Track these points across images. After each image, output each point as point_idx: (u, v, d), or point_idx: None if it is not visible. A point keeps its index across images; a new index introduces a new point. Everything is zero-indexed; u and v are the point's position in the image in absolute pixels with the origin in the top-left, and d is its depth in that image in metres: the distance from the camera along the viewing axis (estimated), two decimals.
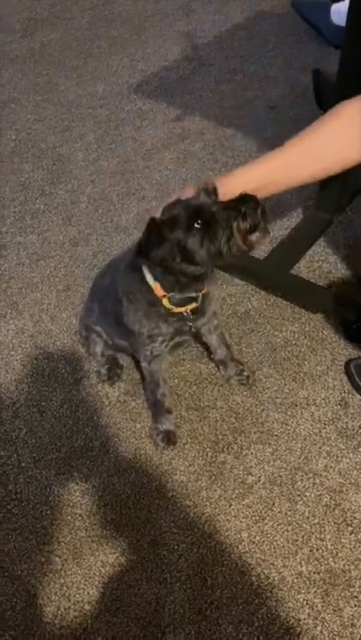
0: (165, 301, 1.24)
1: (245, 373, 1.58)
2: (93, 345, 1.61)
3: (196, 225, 1.06)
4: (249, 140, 2.38)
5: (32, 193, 2.31)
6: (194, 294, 1.26)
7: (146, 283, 1.24)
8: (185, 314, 1.28)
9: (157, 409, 1.48)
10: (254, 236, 1.07)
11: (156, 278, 1.22)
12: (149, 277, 1.23)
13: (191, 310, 1.28)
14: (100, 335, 1.57)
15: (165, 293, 1.23)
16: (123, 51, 3.06)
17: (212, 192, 1.08)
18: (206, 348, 1.62)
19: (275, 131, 2.39)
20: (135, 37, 3.15)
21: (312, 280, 1.81)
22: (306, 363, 1.62)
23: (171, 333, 1.33)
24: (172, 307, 1.26)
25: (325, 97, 2.24)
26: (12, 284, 1.97)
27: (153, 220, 1.10)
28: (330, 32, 2.75)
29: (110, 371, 1.62)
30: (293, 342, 1.67)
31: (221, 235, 1.05)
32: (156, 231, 1.09)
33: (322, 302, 1.74)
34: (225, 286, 1.83)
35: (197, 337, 1.58)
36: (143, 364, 1.43)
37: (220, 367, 1.59)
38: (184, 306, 1.27)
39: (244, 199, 1.05)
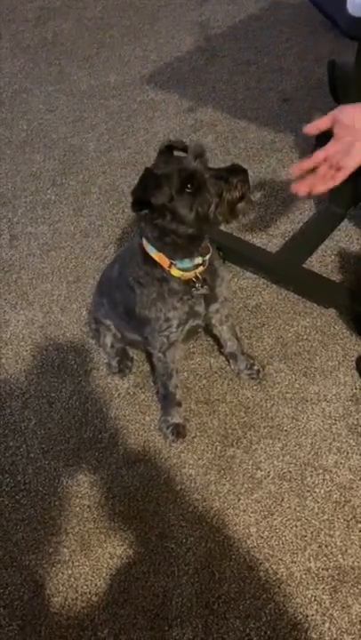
0: (173, 270, 1.24)
1: (256, 367, 1.57)
2: (103, 337, 1.60)
3: (186, 189, 1.11)
4: (262, 132, 2.36)
5: (43, 183, 2.30)
6: (200, 260, 1.25)
7: (150, 259, 1.24)
8: (196, 275, 1.26)
9: (168, 402, 1.48)
10: (240, 206, 1.13)
11: (156, 248, 1.23)
12: (151, 249, 1.23)
13: (205, 296, 1.30)
14: (110, 328, 1.57)
15: (170, 261, 1.23)
16: (135, 41, 3.04)
17: (201, 155, 1.14)
18: (216, 341, 1.62)
19: (288, 123, 2.37)
20: (148, 27, 3.12)
21: (324, 275, 1.79)
22: (317, 358, 1.61)
23: (185, 314, 1.31)
24: (181, 273, 1.25)
25: (341, 89, 2.21)
26: (23, 275, 1.96)
27: (148, 169, 1.13)
28: (346, 23, 2.69)
29: (121, 363, 1.62)
30: (305, 337, 1.66)
31: (210, 202, 1.11)
32: (152, 177, 1.11)
33: (334, 297, 1.72)
34: (236, 279, 1.82)
35: (208, 329, 1.57)
36: (158, 355, 1.40)
37: (230, 361, 1.58)
38: (192, 271, 1.26)
39: (236, 171, 1.12)
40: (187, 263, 1.24)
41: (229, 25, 3.03)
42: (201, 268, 1.27)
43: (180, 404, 1.49)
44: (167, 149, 1.19)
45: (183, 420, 1.49)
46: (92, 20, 3.26)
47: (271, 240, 1.93)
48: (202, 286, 1.28)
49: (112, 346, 1.60)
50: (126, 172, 2.29)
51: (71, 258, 1.99)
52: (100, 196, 2.21)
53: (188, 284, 1.27)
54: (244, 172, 1.12)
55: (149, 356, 1.53)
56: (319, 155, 1.10)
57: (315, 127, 1.11)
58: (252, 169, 2.19)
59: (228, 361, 1.59)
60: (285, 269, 1.82)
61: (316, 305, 1.72)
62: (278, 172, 2.17)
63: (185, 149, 1.18)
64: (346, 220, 1.94)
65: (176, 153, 1.21)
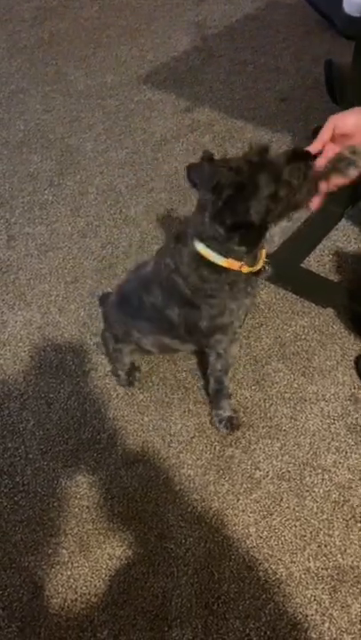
0: (245, 269, 1.19)
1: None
2: (122, 356, 1.54)
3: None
4: (259, 132, 2.36)
5: (41, 184, 2.30)
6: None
7: (218, 267, 1.18)
8: (264, 263, 1.23)
9: (221, 395, 1.46)
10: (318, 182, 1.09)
11: (223, 255, 1.17)
12: (218, 257, 1.17)
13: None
14: (132, 341, 1.49)
15: (240, 262, 1.18)
16: (132, 41, 3.04)
17: (266, 150, 1.09)
18: None
19: (285, 123, 2.37)
20: (145, 27, 3.12)
21: (322, 274, 1.80)
22: (315, 357, 1.61)
23: (247, 307, 1.30)
24: (251, 268, 1.21)
25: (337, 88, 2.21)
26: (21, 276, 1.96)
27: (224, 187, 1.07)
28: (342, 22, 2.70)
29: (130, 375, 1.59)
30: (303, 337, 1.66)
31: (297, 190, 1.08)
32: (239, 196, 1.06)
33: (332, 297, 1.72)
34: None
35: None
36: (219, 352, 1.35)
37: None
38: (257, 261, 1.23)
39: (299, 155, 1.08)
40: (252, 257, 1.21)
41: (226, 25, 3.03)
42: (263, 250, 1.24)
43: (230, 397, 1.48)
44: (205, 160, 1.13)
45: (233, 411, 1.48)
46: (89, 20, 3.26)
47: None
48: (268, 266, 1.25)
49: (129, 363, 1.57)
50: (124, 172, 2.28)
51: (69, 258, 1.99)
52: (97, 196, 2.21)
53: (258, 274, 1.24)
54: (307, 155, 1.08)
55: (201, 355, 1.52)
56: (321, 163, 1.09)
57: (320, 143, 1.09)
58: None
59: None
60: (284, 269, 1.81)
61: (314, 304, 1.73)
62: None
63: (211, 159, 1.13)
64: (343, 219, 1.94)
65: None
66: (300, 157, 1.07)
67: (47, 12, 3.37)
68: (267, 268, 1.25)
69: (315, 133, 2.28)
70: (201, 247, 1.17)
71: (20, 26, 3.29)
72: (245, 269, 1.19)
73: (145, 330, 1.43)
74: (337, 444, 1.43)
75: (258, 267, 1.23)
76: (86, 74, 2.86)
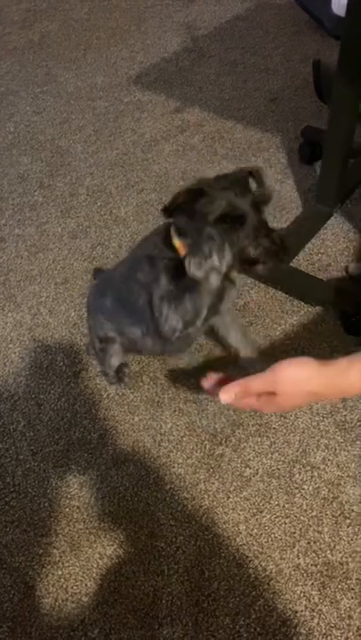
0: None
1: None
2: (109, 357, 1.52)
3: (223, 223, 1.04)
4: (249, 132, 2.37)
5: (30, 185, 2.30)
6: None
7: (170, 243, 1.17)
8: None
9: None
10: (257, 267, 1.05)
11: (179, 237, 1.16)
12: (175, 238, 1.16)
13: None
14: (116, 341, 1.46)
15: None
16: (122, 42, 3.04)
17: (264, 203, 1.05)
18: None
19: (275, 123, 2.38)
20: (135, 28, 3.13)
21: (311, 273, 1.80)
22: (304, 355, 1.61)
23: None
24: None
25: (326, 88, 2.22)
26: (11, 277, 1.96)
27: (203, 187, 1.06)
28: (331, 23, 2.72)
29: (119, 371, 1.59)
30: (292, 335, 1.67)
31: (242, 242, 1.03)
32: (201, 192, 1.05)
33: (321, 295, 1.73)
34: None
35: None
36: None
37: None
38: None
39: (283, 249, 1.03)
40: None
41: (216, 25, 3.04)
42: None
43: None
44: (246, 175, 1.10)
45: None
46: (79, 22, 3.26)
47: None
48: None
49: (118, 366, 1.56)
50: (114, 173, 2.29)
51: (59, 259, 1.99)
52: (87, 197, 2.21)
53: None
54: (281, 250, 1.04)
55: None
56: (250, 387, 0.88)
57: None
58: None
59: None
60: (273, 268, 1.82)
61: (303, 303, 1.73)
62: (265, 171, 2.18)
63: (260, 181, 1.11)
64: (333, 218, 1.95)
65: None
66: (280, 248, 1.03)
67: (37, 13, 3.38)
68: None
69: (304, 133, 2.29)
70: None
71: (9, 27, 3.29)
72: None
73: (108, 310, 1.42)
74: (326, 441, 1.44)
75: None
76: (76, 75, 2.87)
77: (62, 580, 1.30)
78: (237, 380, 0.85)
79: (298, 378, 0.82)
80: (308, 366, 0.82)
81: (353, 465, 1.39)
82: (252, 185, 1.09)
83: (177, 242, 1.17)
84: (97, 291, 1.51)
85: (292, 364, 0.83)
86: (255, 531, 1.32)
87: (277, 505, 1.35)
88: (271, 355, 1.63)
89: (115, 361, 1.53)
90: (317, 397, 0.83)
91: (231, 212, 1.02)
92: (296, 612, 1.20)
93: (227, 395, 0.87)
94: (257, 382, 0.84)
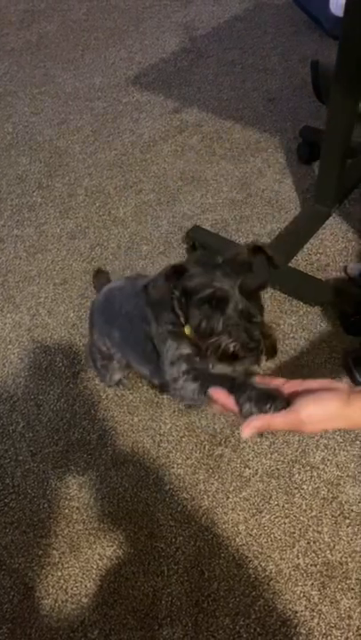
0: (187, 328, 1.09)
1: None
2: (111, 373, 1.52)
3: (206, 305, 0.97)
4: (247, 132, 2.37)
5: (29, 186, 2.30)
6: None
7: (173, 306, 1.11)
8: None
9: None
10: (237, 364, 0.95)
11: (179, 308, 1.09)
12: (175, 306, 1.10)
13: None
14: (120, 361, 1.46)
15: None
16: (120, 42, 3.04)
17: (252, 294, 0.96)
18: None
19: (273, 123, 2.38)
20: (133, 29, 3.13)
21: (310, 273, 1.80)
22: (304, 356, 1.62)
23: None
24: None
25: (324, 89, 2.22)
26: (9, 278, 1.96)
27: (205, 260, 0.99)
28: (329, 23, 2.72)
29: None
30: (291, 335, 1.67)
31: (208, 340, 0.96)
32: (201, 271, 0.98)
33: (320, 295, 1.73)
34: None
35: None
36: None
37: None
38: None
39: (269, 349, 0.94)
40: None
41: (214, 26, 3.04)
42: None
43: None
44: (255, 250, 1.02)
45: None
46: (77, 23, 3.26)
47: (257, 239, 1.93)
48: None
49: (120, 379, 1.55)
50: (112, 174, 2.29)
51: (58, 260, 1.99)
52: (85, 197, 2.21)
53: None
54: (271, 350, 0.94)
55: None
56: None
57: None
58: (237, 169, 2.21)
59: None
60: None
61: (302, 303, 1.73)
62: (264, 171, 2.18)
63: (269, 259, 1.03)
64: (331, 218, 1.95)
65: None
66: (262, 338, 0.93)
67: (35, 14, 3.38)
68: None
69: (302, 133, 2.29)
70: None
71: (7, 28, 3.29)
72: (187, 330, 1.10)
73: (116, 339, 1.40)
74: (325, 441, 1.44)
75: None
76: (74, 76, 2.86)
77: (62, 581, 1.30)
78: (261, 417, 0.83)
79: (321, 418, 0.80)
80: (331, 405, 0.79)
81: (352, 465, 1.39)
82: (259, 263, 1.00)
83: (178, 311, 1.11)
84: (102, 313, 1.45)
85: (314, 402, 0.80)
86: (255, 531, 1.32)
87: (277, 505, 1.35)
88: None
89: (117, 376, 1.53)
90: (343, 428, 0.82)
91: (212, 294, 0.95)
92: (296, 612, 1.20)
93: (249, 430, 0.85)
94: (280, 421, 0.82)
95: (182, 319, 1.08)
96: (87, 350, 1.61)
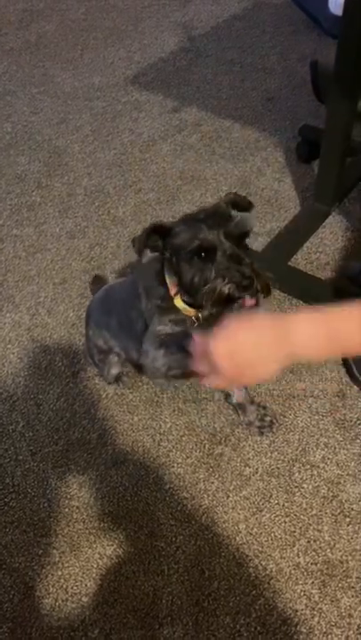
0: (177, 299, 1.14)
1: (268, 419, 1.46)
2: (109, 367, 1.53)
3: (195, 257, 1.02)
4: (246, 131, 2.37)
5: (28, 185, 2.30)
6: None
7: (163, 280, 1.15)
8: (195, 318, 1.14)
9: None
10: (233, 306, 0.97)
11: (174, 273, 1.12)
12: (168, 273, 1.14)
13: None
14: (119, 355, 1.49)
15: (177, 289, 1.13)
16: (119, 42, 3.04)
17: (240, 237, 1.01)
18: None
19: (272, 122, 2.38)
20: (132, 28, 3.13)
21: (310, 272, 1.80)
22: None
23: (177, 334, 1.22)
24: (184, 307, 1.14)
25: (323, 89, 2.23)
26: (9, 277, 1.96)
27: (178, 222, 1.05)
28: (328, 22, 2.72)
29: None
30: None
31: (203, 289, 1.00)
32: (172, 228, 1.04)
33: (320, 294, 1.73)
34: None
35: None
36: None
37: (239, 412, 1.48)
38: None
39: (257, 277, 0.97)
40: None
41: (213, 25, 3.04)
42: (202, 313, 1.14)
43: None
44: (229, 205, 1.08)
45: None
46: (76, 22, 3.26)
47: (257, 238, 1.93)
48: (199, 324, 1.15)
49: (118, 374, 1.55)
50: (111, 173, 2.29)
51: (57, 259, 1.99)
52: (85, 197, 2.21)
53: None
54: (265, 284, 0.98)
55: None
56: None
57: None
58: (236, 168, 2.21)
59: (237, 411, 1.48)
60: (271, 267, 1.82)
61: (302, 302, 1.73)
62: (263, 170, 2.18)
63: (247, 208, 1.09)
64: (331, 217, 1.95)
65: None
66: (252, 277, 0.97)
67: (34, 14, 3.37)
68: (195, 322, 1.17)
69: (301, 132, 2.29)
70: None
71: (6, 28, 3.29)
72: (178, 301, 1.14)
73: (113, 330, 1.43)
74: (325, 439, 1.44)
75: (190, 312, 1.15)
76: (73, 75, 2.86)
77: (62, 580, 1.30)
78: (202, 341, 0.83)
79: (255, 341, 0.80)
80: (264, 324, 0.80)
81: (353, 463, 1.39)
82: (235, 213, 1.05)
83: (168, 279, 1.15)
84: (100, 306, 1.50)
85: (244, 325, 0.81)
86: (255, 530, 1.31)
87: (277, 504, 1.35)
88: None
89: (114, 370, 1.53)
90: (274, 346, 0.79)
91: (199, 246, 0.99)
92: (296, 610, 1.20)
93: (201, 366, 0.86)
94: (219, 348, 0.81)
95: (175, 281, 1.12)
96: (85, 347, 1.62)
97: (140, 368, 1.42)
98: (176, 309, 1.16)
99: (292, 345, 0.77)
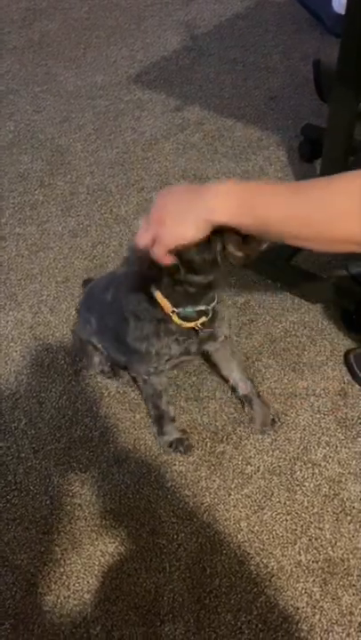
0: (175, 317, 1.16)
1: (270, 417, 1.48)
2: (90, 357, 1.57)
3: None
4: (249, 130, 2.37)
5: (31, 184, 2.30)
6: (204, 307, 1.18)
7: (154, 301, 1.16)
8: (197, 327, 1.19)
9: (163, 420, 1.44)
10: (248, 247, 0.99)
11: (165, 294, 1.14)
12: (158, 294, 1.15)
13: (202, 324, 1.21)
14: (97, 348, 1.54)
15: (174, 309, 1.15)
16: (122, 41, 3.04)
17: None
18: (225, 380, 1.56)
19: (275, 121, 2.38)
20: (134, 27, 3.13)
21: (311, 270, 1.80)
22: (305, 353, 1.62)
23: (180, 353, 1.26)
24: (182, 322, 1.17)
25: (326, 88, 2.22)
26: (12, 276, 1.96)
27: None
28: (331, 21, 2.71)
29: (114, 367, 1.60)
30: (293, 333, 1.67)
31: (216, 244, 0.98)
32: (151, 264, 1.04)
33: (321, 293, 1.73)
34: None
35: (216, 370, 1.55)
36: (144, 377, 1.36)
37: (245, 404, 1.49)
38: (194, 321, 1.19)
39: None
40: (190, 310, 1.17)
41: (215, 24, 3.04)
42: (204, 318, 1.19)
43: (174, 420, 1.46)
44: None
45: (181, 433, 1.47)
46: (79, 21, 3.26)
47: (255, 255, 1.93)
48: (203, 330, 1.21)
49: (100, 362, 1.57)
50: (114, 172, 2.29)
51: (60, 258, 1.99)
52: (87, 195, 2.21)
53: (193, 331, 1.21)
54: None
55: (135, 380, 1.53)
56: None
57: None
58: (239, 167, 2.21)
59: (243, 405, 1.50)
60: (273, 266, 1.83)
61: (303, 301, 1.74)
62: (265, 169, 2.18)
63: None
64: None
65: None
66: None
67: (36, 12, 3.37)
68: (202, 331, 1.21)
69: (304, 131, 2.29)
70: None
71: (9, 27, 3.29)
72: (175, 319, 1.16)
73: (98, 333, 1.50)
74: (327, 438, 1.44)
75: (187, 326, 1.18)
76: (76, 74, 2.86)
77: (64, 577, 1.30)
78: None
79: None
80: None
81: (354, 462, 1.39)
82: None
83: (161, 301, 1.15)
84: (85, 302, 1.59)
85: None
86: (256, 528, 1.32)
87: (278, 502, 1.35)
88: (272, 352, 1.63)
89: (96, 359, 1.57)
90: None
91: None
92: (298, 608, 1.20)
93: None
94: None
95: (171, 301, 1.14)
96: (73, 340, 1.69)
97: (123, 367, 1.52)
98: (176, 326, 1.18)
99: (208, 210, 0.83)
